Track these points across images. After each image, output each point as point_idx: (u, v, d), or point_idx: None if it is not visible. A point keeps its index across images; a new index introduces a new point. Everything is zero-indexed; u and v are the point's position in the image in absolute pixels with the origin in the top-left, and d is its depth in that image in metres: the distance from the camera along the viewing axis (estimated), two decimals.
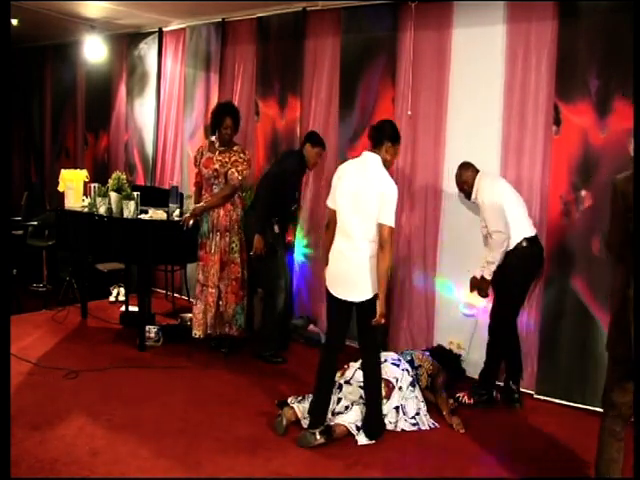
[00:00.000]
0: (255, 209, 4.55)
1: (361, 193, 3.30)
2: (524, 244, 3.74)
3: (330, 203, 3.46)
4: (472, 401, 3.92)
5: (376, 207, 3.26)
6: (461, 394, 3.97)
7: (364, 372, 3.50)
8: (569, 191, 3.96)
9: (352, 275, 3.33)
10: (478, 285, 3.87)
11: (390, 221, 3.26)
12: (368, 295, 3.31)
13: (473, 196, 3.92)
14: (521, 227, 3.75)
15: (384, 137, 3.41)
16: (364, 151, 3.45)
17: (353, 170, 3.41)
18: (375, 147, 3.41)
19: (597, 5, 3.80)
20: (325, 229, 3.54)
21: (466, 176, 3.95)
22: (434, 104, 4.51)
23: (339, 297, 3.37)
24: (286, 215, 4.81)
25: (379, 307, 3.28)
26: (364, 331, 3.44)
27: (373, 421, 3.44)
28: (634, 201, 2.59)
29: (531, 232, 3.79)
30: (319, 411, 3.42)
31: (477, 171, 3.94)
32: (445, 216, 4.56)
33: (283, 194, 4.60)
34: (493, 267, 3.76)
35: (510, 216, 3.72)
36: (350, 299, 3.35)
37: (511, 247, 3.75)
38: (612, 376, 2.63)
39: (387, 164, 3.40)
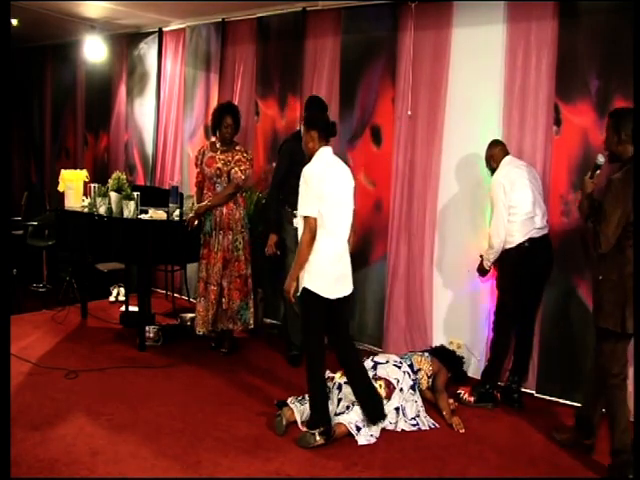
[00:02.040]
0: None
1: (347, 190, 3.41)
2: (526, 244, 3.74)
3: (312, 211, 3.18)
4: (472, 399, 3.92)
5: (353, 198, 3.46)
6: (462, 390, 3.98)
7: (350, 365, 3.48)
8: (569, 191, 3.96)
9: (348, 271, 3.45)
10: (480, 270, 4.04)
11: None
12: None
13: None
14: (523, 231, 3.73)
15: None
16: (323, 147, 3.33)
17: (331, 170, 3.33)
18: (328, 140, 3.40)
19: (597, 5, 3.81)
20: (309, 242, 3.18)
21: (493, 152, 3.94)
22: (434, 104, 4.51)
23: (336, 297, 3.34)
24: None
25: None
26: (344, 323, 3.56)
27: (372, 402, 3.44)
28: (634, 200, 2.60)
29: (536, 234, 3.76)
30: (324, 408, 3.39)
31: (506, 152, 3.93)
32: (443, 215, 4.56)
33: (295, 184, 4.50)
34: (489, 263, 3.93)
35: (513, 220, 3.73)
36: (346, 294, 3.43)
37: (512, 245, 3.76)
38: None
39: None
